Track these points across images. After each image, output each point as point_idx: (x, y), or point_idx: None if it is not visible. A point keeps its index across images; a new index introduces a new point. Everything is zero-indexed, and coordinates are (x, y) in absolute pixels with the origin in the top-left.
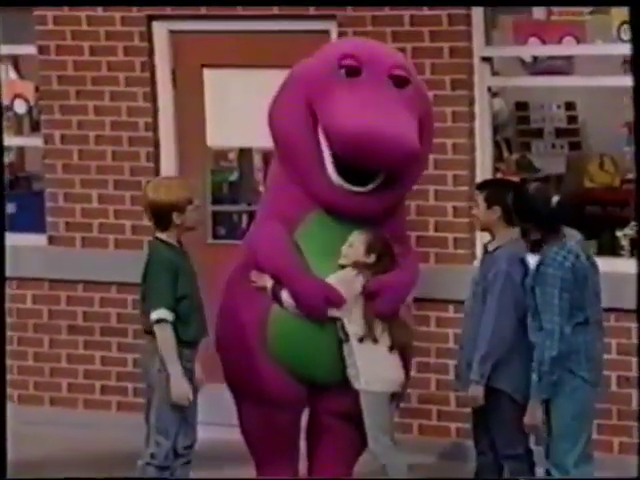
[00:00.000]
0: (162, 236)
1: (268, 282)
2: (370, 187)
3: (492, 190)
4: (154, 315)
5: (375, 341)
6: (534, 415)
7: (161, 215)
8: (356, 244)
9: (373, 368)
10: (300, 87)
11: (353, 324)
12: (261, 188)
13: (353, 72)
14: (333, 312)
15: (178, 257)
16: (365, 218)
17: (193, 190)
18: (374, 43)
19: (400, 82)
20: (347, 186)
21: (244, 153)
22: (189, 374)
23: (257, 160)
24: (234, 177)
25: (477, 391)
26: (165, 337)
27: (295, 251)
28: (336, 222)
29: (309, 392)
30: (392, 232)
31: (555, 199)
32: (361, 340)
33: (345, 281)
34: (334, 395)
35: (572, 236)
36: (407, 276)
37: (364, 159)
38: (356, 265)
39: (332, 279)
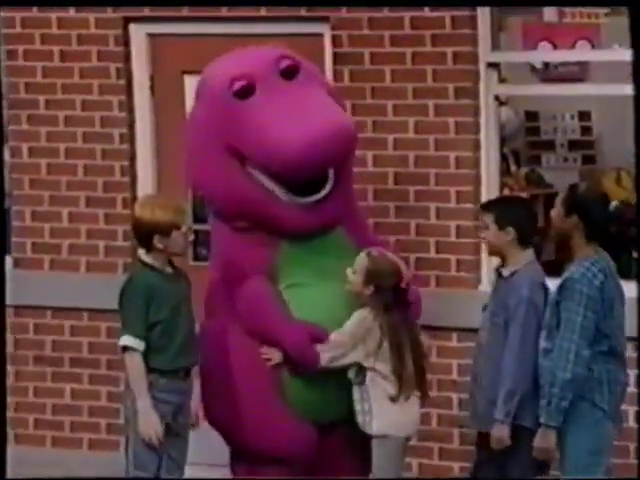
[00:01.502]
0: (145, 257)
1: (277, 354)
2: (324, 193)
3: (503, 209)
4: (120, 342)
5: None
6: (546, 438)
7: (143, 236)
8: (357, 271)
9: (388, 412)
10: (207, 135)
11: (379, 367)
12: None
13: (247, 92)
14: (336, 360)
15: (158, 281)
16: (324, 228)
17: (183, 214)
18: (248, 50)
19: (290, 73)
20: (303, 201)
21: None
22: (168, 407)
23: None
24: None
25: (503, 431)
26: (132, 366)
27: (279, 302)
28: (304, 243)
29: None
30: (351, 224)
31: (614, 203)
32: (394, 399)
33: (363, 325)
34: (340, 431)
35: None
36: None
37: (317, 166)
38: (360, 298)
39: (350, 323)
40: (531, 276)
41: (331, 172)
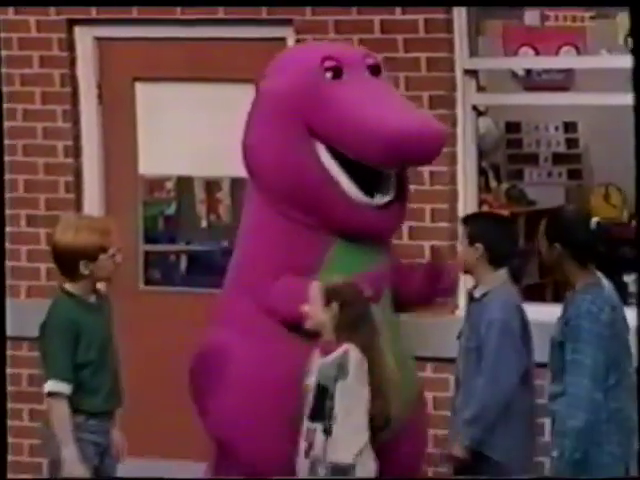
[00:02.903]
0: (68, 286)
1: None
2: (389, 197)
3: (475, 224)
4: (45, 387)
5: None
6: None
7: (66, 262)
8: (312, 301)
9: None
10: (286, 109)
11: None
12: (203, 223)
13: (337, 73)
14: None
15: (84, 314)
16: (383, 236)
17: (110, 235)
18: (333, 42)
19: (376, 70)
20: (368, 200)
21: (183, 182)
22: (96, 449)
23: (199, 191)
24: (171, 210)
25: (457, 452)
26: (58, 413)
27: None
28: (357, 248)
29: None
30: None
31: (595, 220)
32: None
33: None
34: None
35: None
36: None
37: (407, 158)
38: (325, 329)
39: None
40: (504, 297)
41: (393, 180)
